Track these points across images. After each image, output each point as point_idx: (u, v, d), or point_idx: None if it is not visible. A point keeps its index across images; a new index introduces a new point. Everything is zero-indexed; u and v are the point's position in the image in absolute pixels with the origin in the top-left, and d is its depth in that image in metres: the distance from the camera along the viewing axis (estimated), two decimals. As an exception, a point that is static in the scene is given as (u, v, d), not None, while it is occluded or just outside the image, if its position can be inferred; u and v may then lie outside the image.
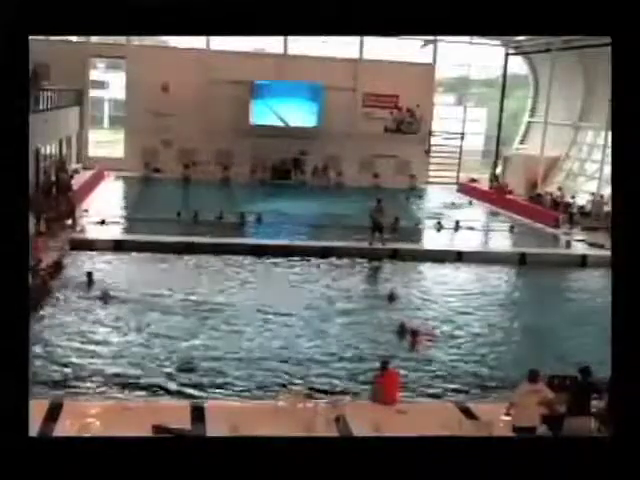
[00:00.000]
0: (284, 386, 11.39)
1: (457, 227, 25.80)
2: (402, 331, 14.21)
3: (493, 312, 16.67)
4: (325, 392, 11.34)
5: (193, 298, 15.91)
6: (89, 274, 16.48)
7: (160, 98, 34.28)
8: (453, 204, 31.61)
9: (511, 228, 26.46)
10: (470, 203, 32.45)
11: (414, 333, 13.97)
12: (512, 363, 13.15)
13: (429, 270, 20.41)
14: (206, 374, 11.80)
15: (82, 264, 18.11)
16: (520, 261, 21.67)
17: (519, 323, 16.05)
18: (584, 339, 14.55)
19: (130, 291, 16.04)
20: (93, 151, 35.92)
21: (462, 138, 38.37)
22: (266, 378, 11.83)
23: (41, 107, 24.12)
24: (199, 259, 19.55)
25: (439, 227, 25.66)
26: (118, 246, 20.28)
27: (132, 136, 35.00)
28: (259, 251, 20.59)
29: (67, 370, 11.66)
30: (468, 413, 10.28)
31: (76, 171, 30.55)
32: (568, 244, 24.12)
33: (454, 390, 11.86)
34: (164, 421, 9.08)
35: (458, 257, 21.50)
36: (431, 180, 37.95)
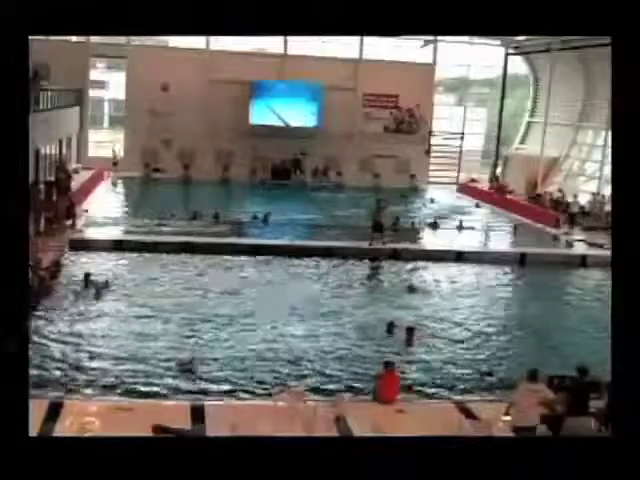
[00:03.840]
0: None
1: (460, 227, 25.81)
2: (391, 329, 14.34)
3: (493, 310, 16.78)
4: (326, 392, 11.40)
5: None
6: (87, 275, 16.48)
7: (160, 98, 34.28)
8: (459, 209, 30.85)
9: (514, 228, 26.45)
10: (477, 206, 31.88)
11: (409, 330, 14.05)
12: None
13: (429, 270, 20.45)
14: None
15: (82, 264, 18.12)
16: (520, 261, 21.68)
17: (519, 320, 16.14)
18: (585, 339, 14.60)
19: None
20: (93, 151, 35.92)
21: (462, 138, 38.36)
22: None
23: (41, 107, 24.12)
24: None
25: (436, 227, 25.65)
26: (118, 246, 20.30)
27: (132, 136, 34.99)
28: (259, 251, 20.61)
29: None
30: (468, 413, 10.28)
31: (76, 171, 30.56)
32: (568, 244, 24.13)
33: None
34: (164, 421, 9.08)
35: (458, 257, 21.52)
36: (431, 180, 37.95)
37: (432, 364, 12.90)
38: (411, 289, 17.84)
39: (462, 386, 12.05)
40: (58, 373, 11.48)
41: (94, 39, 33.90)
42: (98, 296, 15.53)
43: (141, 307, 15.10)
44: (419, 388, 11.84)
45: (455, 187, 37.17)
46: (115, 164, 33.73)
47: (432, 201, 32.36)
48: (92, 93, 36.82)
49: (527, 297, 18.85)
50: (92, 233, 21.67)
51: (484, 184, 36.34)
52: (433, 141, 38.00)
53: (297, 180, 35.28)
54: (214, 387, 11.41)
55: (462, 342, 14.29)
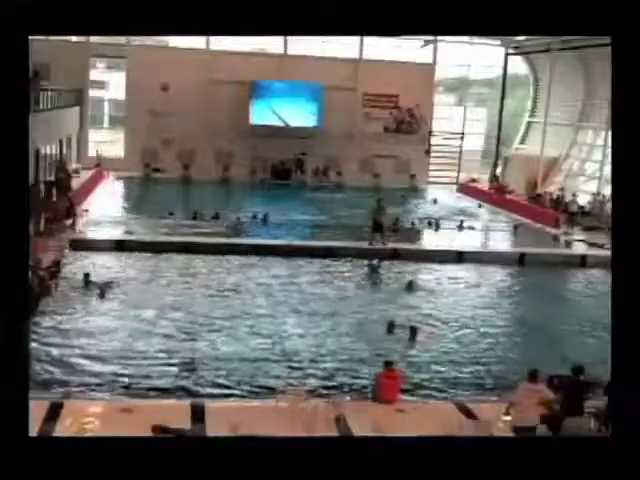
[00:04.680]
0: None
1: (460, 227, 25.82)
2: (391, 328, 14.37)
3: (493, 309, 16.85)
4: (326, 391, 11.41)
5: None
6: (86, 275, 16.48)
7: (160, 98, 34.26)
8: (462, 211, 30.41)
9: (514, 228, 26.46)
10: (480, 206, 31.81)
11: (413, 330, 14.10)
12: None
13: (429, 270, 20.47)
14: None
15: (82, 264, 18.12)
16: (520, 261, 21.68)
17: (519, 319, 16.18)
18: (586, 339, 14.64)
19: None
20: (93, 151, 35.91)
21: (462, 138, 38.36)
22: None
23: (41, 107, 24.11)
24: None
25: (437, 227, 25.66)
26: (118, 246, 20.30)
27: (132, 136, 34.99)
28: (260, 251, 20.60)
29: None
30: (468, 413, 10.29)
31: (76, 171, 30.55)
32: (568, 244, 24.15)
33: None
34: (164, 421, 9.08)
35: (458, 257, 21.51)
36: (431, 180, 37.95)
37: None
38: (410, 289, 17.86)
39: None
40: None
41: (94, 39, 33.86)
42: (102, 296, 15.56)
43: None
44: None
45: (455, 187, 37.16)
46: (98, 165, 33.22)
47: (435, 202, 32.23)
48: (92, 93, 36.80)
49: (526, 297, 18.89)
50: (92, 233, 21.67)
51: (484, 184, 36.32)
52: (433, 141, 37.97)
53: (297, 180, 35.28)
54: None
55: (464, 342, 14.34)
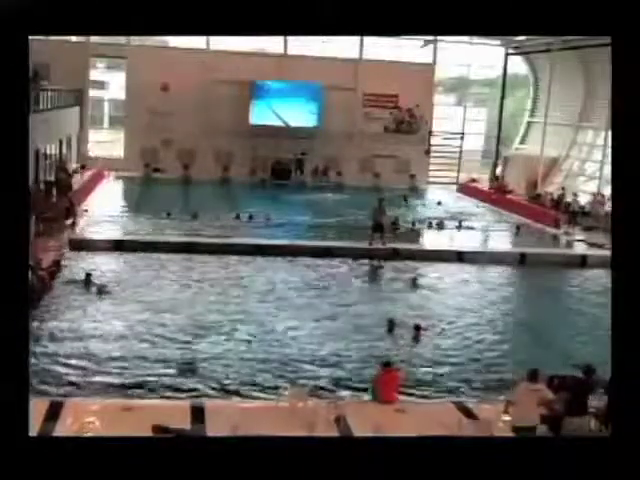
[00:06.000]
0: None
1: (460, 227, 25.83)
2: (391, 326, 14.40)
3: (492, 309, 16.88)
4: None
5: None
6: (88, 275, 16.47)
7: (160, 98, 34.26)
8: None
9: (517, 228, 26.45)
10: (477, 206, 31.76)
11: (417, 327, 14.17)
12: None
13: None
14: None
15: (82, 264, 18.12)
16: (520, 261, 21.69)
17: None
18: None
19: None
20: (92, 151, 35.85)
21: (462, 138, 38.35)
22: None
23: (41, 107, 24.11)
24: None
25: (438, 227, 25.67)
26: (118, 246, 20.29)
27: (132, 136, 34.98)
28: (260, 251, 20.59)
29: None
30: (468, 413, 10.28)
31: (76, 171, 30.55)
32: (569, 244, 24.16)
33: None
34: (164, 421, 9.07)
35: (459, 257, 21.51)
36: (431, 180, 37.94)
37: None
38: (412, 289, 17.91)
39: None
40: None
41: (94, 39, 33.85)
42: (100, 295, 15.59)
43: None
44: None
45: (455, 187, 37.15)
46: (84, 167, 32.50)
47: (439, 203, 32.06)
48: (92, 93, 36.79)
49: (526, 296, 18.92)
50: (92, 233, 21.67)
51: (484, 184, 36.33)
52: (433, 141, 37.96)
53: (297, 180, 35.27)
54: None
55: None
